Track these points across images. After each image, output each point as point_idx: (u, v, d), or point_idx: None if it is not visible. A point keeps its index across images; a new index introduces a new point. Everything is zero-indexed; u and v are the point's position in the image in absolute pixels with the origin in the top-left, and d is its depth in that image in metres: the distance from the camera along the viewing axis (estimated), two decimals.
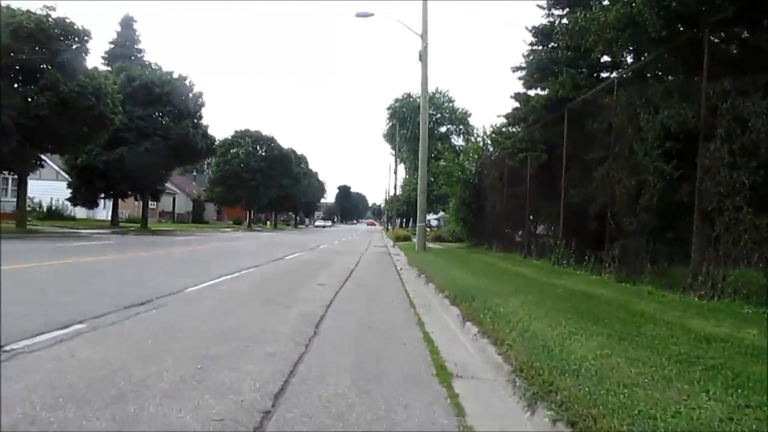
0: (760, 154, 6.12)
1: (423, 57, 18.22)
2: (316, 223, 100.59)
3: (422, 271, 10.40)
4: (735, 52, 7.46)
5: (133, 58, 32.96)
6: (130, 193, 32.62)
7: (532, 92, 15.15)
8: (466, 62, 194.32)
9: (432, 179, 26.15)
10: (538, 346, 3.82)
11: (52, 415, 2.57)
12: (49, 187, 36.01)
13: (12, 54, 18.59)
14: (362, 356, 4.07)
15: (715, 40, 6.98)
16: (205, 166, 59.27)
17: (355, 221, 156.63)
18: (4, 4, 19.44)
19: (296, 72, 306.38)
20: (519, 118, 15.63)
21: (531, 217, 15.02)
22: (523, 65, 15.04)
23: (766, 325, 4.64)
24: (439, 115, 54.35)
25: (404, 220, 60.34)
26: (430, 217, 45.51)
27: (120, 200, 33.16)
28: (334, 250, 19.97)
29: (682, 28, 7.56)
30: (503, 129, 17.53)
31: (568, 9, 12.24)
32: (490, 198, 18.72)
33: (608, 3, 8.70)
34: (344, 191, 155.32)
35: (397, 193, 53.01)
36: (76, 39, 20.35)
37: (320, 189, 78.92)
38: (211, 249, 17.94)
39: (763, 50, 6.98)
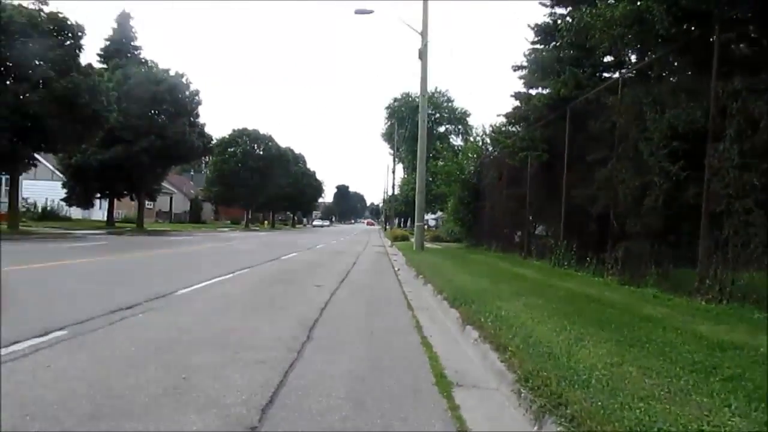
0: None
1: (423, 55, 18.06)
2: (314, 223, 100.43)
3: (420, 271, 10.22)
4: (746, 50, 7.25)
5: (129, 55, 32.50)
6: (126, 192, 32.25)
7: (533, 91, 14.93)
8: (466, 61, 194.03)
9: (430, 179, 25.97)
10: (544, 353, 3.64)
11: None
12: (43, 187, 35.66)
13: (2, 49, 18.13)
14: (357, 364, 3.87)
15: (726, 39, 6.77)
16: (203, 165, 58.97)
17: (353, 221, 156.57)
18: None
19: (294, 70, 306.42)
20: (520, 117, 15.39)
21: (531, 217, 14.84)
22: (525, 64, 14.82)
23: None
24: (438, 115, 54.14)
25: (402, 219, 60.13)
26: (429, 216, 45.29)
27: (116, 200, 32.83)
28: (331, 250, 19.76)
29: (691, 27, 7.37)
30: (503, 128, 17.30)
31: (570, 7, 12.03)
32: (489, 198, 18.56)
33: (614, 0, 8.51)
34: (342, 191, 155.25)
35: (396, 193, 52.79)
36: (70, 35, 19.97)
37: (318, 188, 78.56)
38: (206, 249, 17.72)
39: None
